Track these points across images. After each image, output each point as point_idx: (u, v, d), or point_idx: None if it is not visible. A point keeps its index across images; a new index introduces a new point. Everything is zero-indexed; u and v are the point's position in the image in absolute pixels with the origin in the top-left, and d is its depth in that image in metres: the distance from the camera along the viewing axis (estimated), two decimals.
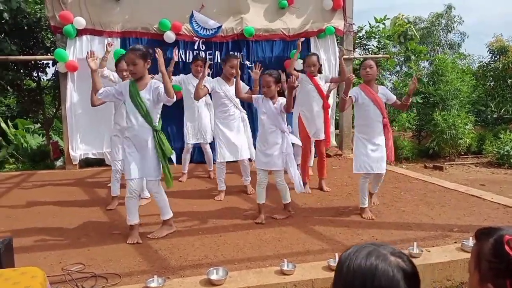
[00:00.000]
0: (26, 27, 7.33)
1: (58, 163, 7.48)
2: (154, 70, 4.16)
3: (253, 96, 4.09)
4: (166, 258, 3.21)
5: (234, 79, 4.43)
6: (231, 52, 6.79)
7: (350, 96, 3.99)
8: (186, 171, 5.74)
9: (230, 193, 4.97)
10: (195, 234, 3.72)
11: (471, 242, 3.12)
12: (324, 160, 5.18)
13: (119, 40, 6.47)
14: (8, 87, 8.05)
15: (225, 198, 4.80)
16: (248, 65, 6.82)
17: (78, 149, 6.49)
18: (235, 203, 4.64)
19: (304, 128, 5.04)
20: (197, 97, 4.51)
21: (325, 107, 5.02)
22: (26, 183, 5.77)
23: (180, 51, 6.64)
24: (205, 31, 6.70)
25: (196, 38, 6.69)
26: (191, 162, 6.08)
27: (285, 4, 6.90)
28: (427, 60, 11.10)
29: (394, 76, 12.59)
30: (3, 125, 8.96)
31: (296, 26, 7.11)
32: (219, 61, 6.72)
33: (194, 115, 5.49)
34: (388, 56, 8.73)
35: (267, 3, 6.97)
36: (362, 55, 9.14)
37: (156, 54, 3.44)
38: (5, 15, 6.82)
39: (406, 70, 10.04)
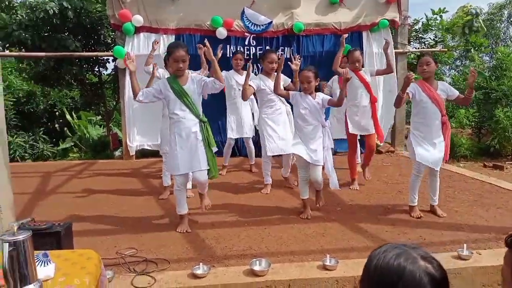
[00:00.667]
0: (88, 25, 7.78)
1: (117, 153, 7.90)
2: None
3: (290, 92, 4.07)
4: (212, 247, 3.34)
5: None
6: (281, 47, 6.84)
7: (406, 93, 3.89)
8: (226, 164, 5.84)
9: (275, 186, 5.03)
10: (241, 225, 3.82)
11: None
12: (372, 152, 5.06)
13: (173, 36, 6.70)
14: (73, 81, 8.60)
15: (272, 192, 4.86)
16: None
17: (135, 141, 6.83)
18: (280, 197, 4.69)
19: (347, 124, 4.97)
20: (244, 97, 4.59)
21: (373, 101, 4.92)
22: (87, 172, 6.17)
23: (232, 47, 6.77)
24: (255, 27, 6.78)
25: (247, 34, 6.78)
26: (236, 156, 6.20)
27: (336, 0, 6.81)
28: (487, 53, 10.47)
29: (454, 71, 11.99)
30: (68, 117, 9.59)
31: (348, 20, 6.99)
32: None
33: (236, 110, 5.55)
34: (446, 49, 8.34)
35: None
36: (418, 48, 8.80)
37: (204, 46, 3.65)
38: (70, 13, 7.28)
39: (466, 64, 9.55)
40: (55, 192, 5.03)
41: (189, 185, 4.72)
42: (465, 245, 3.11)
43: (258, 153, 5.96)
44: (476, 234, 3.54)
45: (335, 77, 5.37)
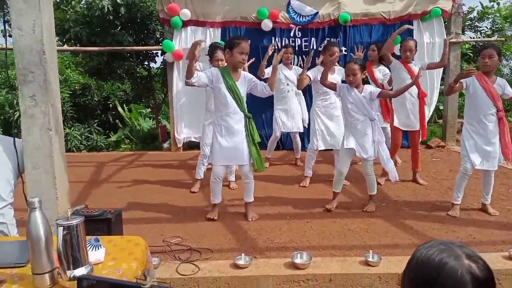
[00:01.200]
0: (139, 20, 8.05)
1: (165, 145, 8.15)
2: None
3: (337, 84, 4.01)
4: (254, 239, 3.39)
5: (334, 67, 4.57)
6: (327, 39, 6.73)
7: (460, 82, 3.74)
8: (269, 156, 5.83)
9: (319, 181, 5.00)
10: (283, 218, 3.85)
11: None
12: (418, 151, 4.87)
13: (219, 30, 6.78)
14: (124, 74, 8.95)
15: (314, 186, 4.84)
16: (344, 51, 6.68)
17: (182, 133, 7.01)
18: (322, 191, 4.65)
19: (396, 117, 4.81)
20: (300, 86, 4.58)
21: (421, 96, 4.71)
22: (137, 162, 6.43)
23: (277, 39, 6.76)
24: (301, 18, 6.71)
25: (293, 26, 6.73)
26: (281, 149, 6.19)
27: None
28: None
29: None
30: (120, 109, 10.00)
31: (398, 9, 6.76)
32: (314, 47, 6.71)
33: (285, 104, 5.52)
34: (503, 39, 7.86)
35: None
36: (473, 38, 8.35)
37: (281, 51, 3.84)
38: (122, 9, 7.57)
39: None
40: (107, 182, 5.29)
41: (233, 178, 4.81)
42: None
43: (304, 147, 5.96)
44: None
45: (383, 68, 5.22)
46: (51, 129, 2.59)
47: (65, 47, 7.97)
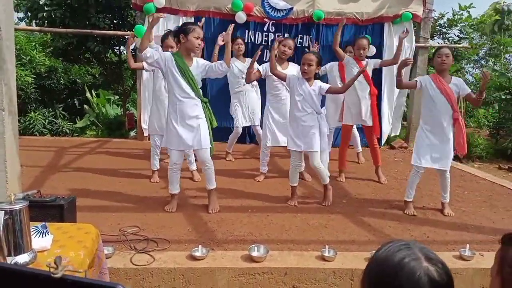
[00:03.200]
0: (116, 6, 7.83)
1: (132, 133, 8.00)
2: None
3: (287, 75, 4.01)
4: (213, 231, 3.38)
5: (288, 62, 4.61)
6: (299, 35, 6.76)
7: (415, 80, 3.85)
8: (230, 151, 5.79)
9: (284, 176, 5.01)
10: (245, 211, 3.85)
11: None
12: (375, 147, 4.97)
13: (192, 19, 6.67)
14: (93, 58, 8.70)
15: (279, 181, 4.86)
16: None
17: (149, 121, 6.88)
18: (286, 186, 4.65)
19: (346, 113, 4.89)
20: (248, 80, 4.49)
21: (372, 93, 4.80)
22: (101, 149, 6.28)
23: (250, 32, 6.73)
24: (276, 12, 6.70)
25: (267, 20, 6.71)
26: (246, 143, 6.16)
27: None
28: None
29: (478, 70, 11.65)
30: (88, 94, 9.74)
31: (371, 10, 6.84)
32: None
33: (241, 98, 5.45)
34: (469, 46, 8.11)
35: None
36: (441, 44, 8.57)
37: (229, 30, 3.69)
38: None
39: (491, 64, 9.25)
40: (66, 168, 5.14)
41: (194, 166, 4.76)
42: (467, 245, 3.07)
43: None
44: (481, 235, 3.49)
45: (335, 64, 5.29)
46: (4, 110, 2.49)
47: (24, 26, 7.66)
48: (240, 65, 5.33)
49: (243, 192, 4.44)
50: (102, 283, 1.04)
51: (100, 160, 5.61)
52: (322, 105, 4.31)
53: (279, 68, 4.51)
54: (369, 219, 3.79)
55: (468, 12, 8.50)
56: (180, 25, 4.25)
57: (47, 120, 8.31)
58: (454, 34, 8.58)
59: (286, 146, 4.84)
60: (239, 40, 5.38)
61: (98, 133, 8.73)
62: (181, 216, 3.68)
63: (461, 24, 8.77)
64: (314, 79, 3.93)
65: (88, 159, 5.63)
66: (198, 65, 3.63)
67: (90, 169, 5.07)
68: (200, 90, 3.68)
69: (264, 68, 4.60)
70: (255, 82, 5.36)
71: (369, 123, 4.83)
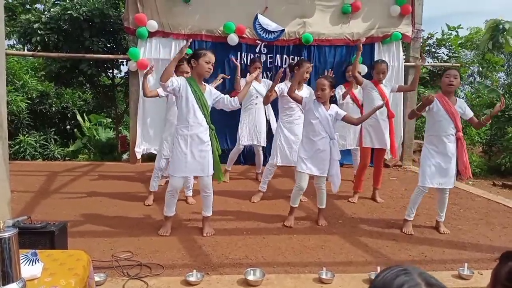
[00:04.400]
0: (111, 29, 7.88)
1: (125, 156, 7.94)
2: None
3: (304, 98, 4.03)
4: (208, 254, 3.31)
5: (302, 84, 4.70)
6: (291, 56, 6.84)
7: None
8: (229, 169, 5.77)
9: (279, 196, 4.99)
10: (240, 233, 3.79)
11: None
12: (381, 169, 5.00)
13: (185, 42, 6.71)
14: (86, 82, 8.69)
15: (273, 202, 4.82)
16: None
17: (142, 144, 6.84)
18: (283, 207, 4.63)
19: (362, 137, 4.90)
20: (267, 101, 4.57)
21: (390, 116, 4.84)
22: (93, 173, 6.20)
23: (243, 54, 6.80)
24: (267, 34, 6.77)
25: (259, 42, 6.78)
26: (243, 163, 6.14)
27: (348, 10, 6.79)
28: (502, 71, 10.30)
29: (467, 87, 11.83)
30: (79, 118, 9.70)
31: (361, 31, 6.95)
32: (279, 64, 6.80)
33: (251, 117, 5.53)
34: (459, 64, 8.24)
35: (332, 7, 6.88)
36: (430, 63, 8.71)
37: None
38: (96, 19, 7.43)
39: (479, 80, 9.39)
40: (58, 192, 5.06)
41: (190, 193, 4.71)
42: (466, 264, 3.03)
43: (266, 162, 5.93)
44: (479, 253, 3.46)
45: (340, 86, 5.38)
46: None
47: (15, 51, 7.67)
48: (257, 86, 5.43)
49: (238, 213, 4.39)
50: None
51: (93, 184, 5.53)
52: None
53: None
54: (366, 239, 3.75)
55: (456, 32, 8.68)
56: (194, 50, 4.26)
57: (38, 144, 8.23)
58: (443, 53, 8.74)
59: (286, 165, 4.85)
60: (257, 64, 5.42)
61: (90, 156, 8.65)
62: (175, 240, 3.61)
63: (449, 44, 8.92)
64: (330, 103, 3.94)
65: (80, 183, 5.55)
66: (211, 93, 3.66)
67: (82, 193, 4.99)
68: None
69: (280, 88, 4.60)
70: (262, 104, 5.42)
71: (387, 146, 4.85)
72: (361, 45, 4.90)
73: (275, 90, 4.51)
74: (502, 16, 8.54)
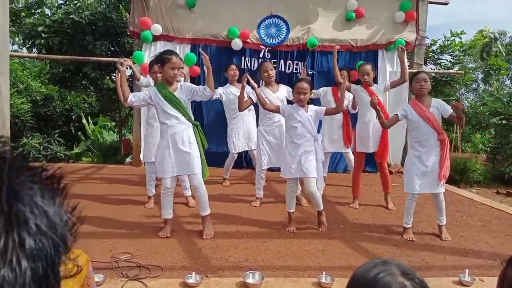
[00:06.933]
0: (114, 33, 7.94)
1: (128, 159, 7.95)
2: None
3: (280, 106, 4.07)
4: (208, 257, 3.30)
5: (278, 84, 4.77)
6: (295, 62, 6.85)
7: (396, 115, 3.86)
8: (227, 177, 5.76)
9: (280, 201, 4.96)
10: (240, 237, 3.78)
11: None
12: (385, 174, 4.93)
13: (189, 46, 6.77)
14: (90, 85, 8.74)
15: (275, 206, 4.81)
16: (311, 72, 6.81)
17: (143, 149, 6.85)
18: (283, 211, 4.60)
19: (358, 140, 4.88)
20: (241, 108, 4.47)
21: (384, 118, 4.81)
22: (95, 175, 6.22)
23: (247, 59, 6.82)
24: (271, 39, 6.80)
25: (262, 47, 6.81)
26: (243, 168, 6.13)
27: (352, 17, 6.81)
28: (507, 76, 10.27)
29: (472, 94, 11.78)
30: (84, 121, 9.75)
31: (365, 37, 6.97)
32: (283, 69, 6.81)
33: (237, 123, 5.44)
34: (463, 72, 8.22)
35: (336, 13, 6.91)
36: (434, 69, 8.69)
37: (203, 56, 3.76)
38: (99, 23, 7.48)
39: (483, 87, 9.38)
40: None
41: (189, 192, 4.70)
42: (467, 270, 3.00)
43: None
44: (481, 260, 3.42)
45: (328, 89, 5.35)
46: None
47: (20, 53, 7.72)
48: (235, 91, 5.31)
49: (239, 217, 4.38)
50: None
51: (95, 186, 5.54)
52: (318, 131, 4.32)
53: (269, 92, 4.60)
54: (367, 245, 3.72)
55: (459, 38, 8.68)
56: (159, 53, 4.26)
57: (41, 146, 8.27)
58: (446, 59, 8.72)
59: (273, 167, 4.85)
60: (233, 66, 5.44)
61: (94, 159, 8.68)
62: (174, 242, 3.61)
63: (451, 50, 8.89)
64: (308, 104, 3.97)
65: (82, 185, 5.56)
66: (182, 89, 3.66)
67: (84, 195, 4.98)
68: (191, 114, 3.71)
69: (254, 94, 4.57)
70: (251, 107, 5.38)
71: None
72: (335, 52, 5.05)
73: (250, 97, 4.49)
74: (488, 27, 8.57)
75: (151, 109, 4.53)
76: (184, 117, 3.61)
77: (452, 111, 3.75)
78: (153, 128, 4.52)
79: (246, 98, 4.44)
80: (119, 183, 5.75)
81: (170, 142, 3.59)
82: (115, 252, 3.28)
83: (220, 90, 5.41)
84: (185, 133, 3.60)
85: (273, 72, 4.72)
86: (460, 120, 3.73)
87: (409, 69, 7.00)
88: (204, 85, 3.71)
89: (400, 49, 4.83)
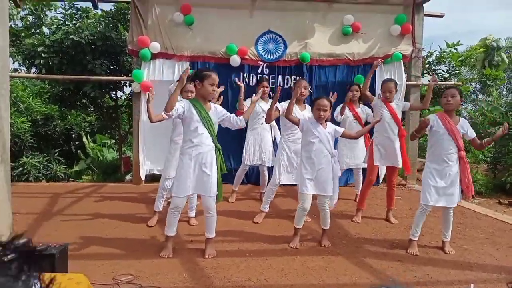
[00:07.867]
0: (113, 52, 8.00)
1: (128, 177, 7.93)
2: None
3: (300, 119, 4.05)
4: (210, 277, 3.27)
5: (305, 104, 4.78)
6: (293, 76, 6.89)
7: (426, 119, 3.91)
8: (236, 189, 5.77)
9: (282, 217, 4.95)
10: (242, 255, 3.75)
11: None
12: (393, 189, 4.94)
13: (188, 63, 6.80)
14: (90, 104, 8.77)
15: (277, 222, 4.78)
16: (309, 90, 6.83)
17: (145, 165, 6.86)
18: (286, 228, 4.59)
19: (373, 155, 4.87)
20: (268, 120, 4.43)
21: (401, 134, 4.83)
22: (95, 194, 6.19)
23: (245, 75, 6.86)
24: (269, 55, 6.86)
25: (260, 62, 6.85)
26: (246, 183, 6.13)
27: (349, 31, 6.88)
28: (503, 85, 10.32)
29: (470, 105, 11.82)
30: (84, 139, 9.75)
31: (362, 51, 7.02)
32: (281, 84, 6.84)
33: (257, 137, 5.52)
34: (460, 83, 8.26)
35: (333, 28, 6.97)
36: (430, 81, 8.72)
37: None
38: (98, 42, 7.54)
39: (481, 97, 9.42)
40: (60, 214, 5.04)
41: (193, 213, 4.69)
42: (472, 285, 2.98)
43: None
44: (486, 274, 3.40)
45: (338, 107, 5.44)
46: None
47: (20, 73, 7.76)
48: (263, 105, 5.42)
49: (241, 234, 4.35)
50: None
51: (95, 205, 5.52)
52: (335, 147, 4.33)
53: (297, 109, 4.59)
54: (370, 260, 3.69)
55: (455, 49, 8.74)
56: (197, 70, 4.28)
57: (41, 165, 8.25)
58: (443, 70, 8.77)
59: (291, 185, 4.83)
60: (265, 83, 5.47)
61: (94, 177, 8.65)
62: (176, 261, 3.58)
63: (448, 61, 8.95)
64: (326, 122, 3.98)
65: (82, 204, 5.54)
66: (216, 112, 3.67)
67: (84, 214, 4.98)
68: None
69: (282, 106, 4.54)
70: (273, 123, 5.44)
71: (399, 164, 4.82)
72: (376, 65, 4.99)
73: (277, 109, 4.50)
74: (493, 35, 8.62)
75: (177, 127, 4.48)
76: (212, 139, 3.60)
77: (475, 135, 3.86)
78: (178, 145, 4.47)
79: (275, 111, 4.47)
80: (119, 202, 5.72)
81: (194, 162, 3.54)
82: (116, 273, 3.25)
83: (248, 102, 5.45)
84: (209, 155, 3.58)
85: (306, 92, 4.71)
86: (489, 142, 3.83)
87: (406, 81, 7.10)
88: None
89: (431, 80, 4.84)
